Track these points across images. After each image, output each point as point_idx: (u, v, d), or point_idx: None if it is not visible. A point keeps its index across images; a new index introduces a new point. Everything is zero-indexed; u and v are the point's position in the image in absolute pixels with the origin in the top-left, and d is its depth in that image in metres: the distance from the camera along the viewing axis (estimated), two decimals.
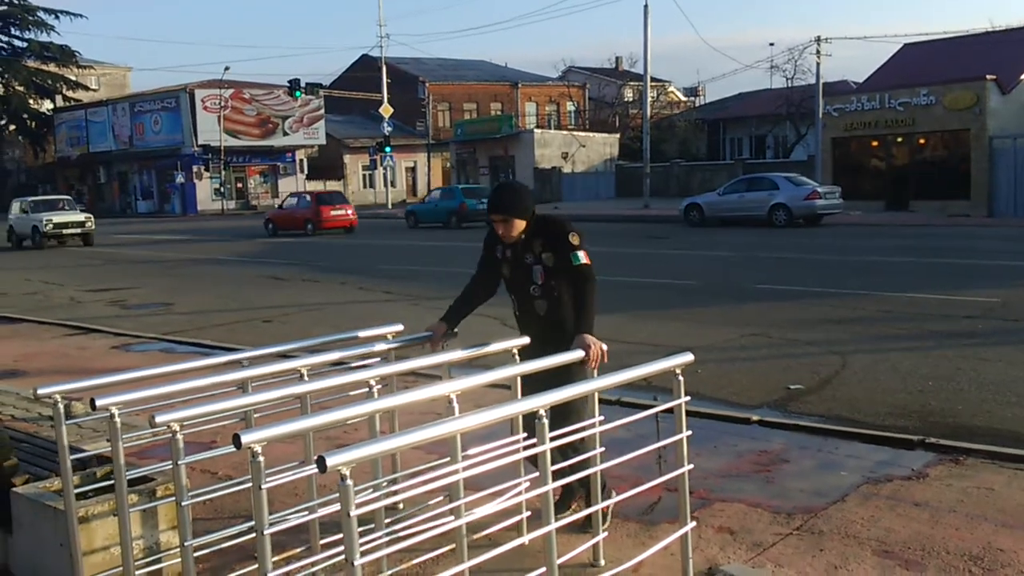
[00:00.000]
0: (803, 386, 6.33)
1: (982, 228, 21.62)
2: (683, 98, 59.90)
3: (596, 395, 3.22)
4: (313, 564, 2.85)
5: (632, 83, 53.55)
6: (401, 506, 3.72)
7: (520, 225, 3.62)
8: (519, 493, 3.14)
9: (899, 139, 29.23)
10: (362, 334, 3.93)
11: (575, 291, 3.58)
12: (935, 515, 3.84)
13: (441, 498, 3.30)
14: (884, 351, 7.41)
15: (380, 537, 2.92)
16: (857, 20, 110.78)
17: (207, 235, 28.17)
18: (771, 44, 78.81)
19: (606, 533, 3.37)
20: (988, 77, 27.09)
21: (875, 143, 29.91)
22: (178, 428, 2.74)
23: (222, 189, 48.24)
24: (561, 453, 3.16)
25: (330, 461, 2.10)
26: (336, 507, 3.09)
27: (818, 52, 32.41)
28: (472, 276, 3.94)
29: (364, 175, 53.20)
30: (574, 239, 3.58)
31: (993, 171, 26.61)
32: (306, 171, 51.69)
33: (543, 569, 2.69)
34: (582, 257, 3.56)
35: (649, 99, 36.14)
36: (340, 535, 3.02)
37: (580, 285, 3.56)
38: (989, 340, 7.76)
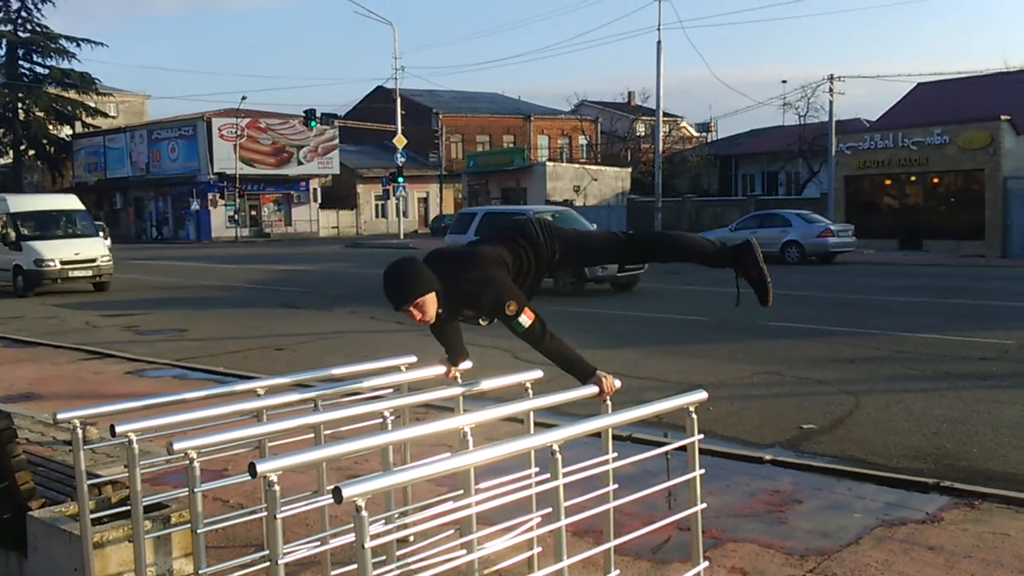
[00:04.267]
0: (816, 426, 6.30)
1: (996, 269, 21.54)
2: (695, 133, 60.22)
3: (610, 431, 3.22)
4: None
5: (644, 117, 53.94)
6: (411, 539, 3.71)
7: (432, 300, 3.20)
8: (531, 528, 3.14)
9: (913, 178, 29.28)
10: (376, 365, 3.95)
11: (540, 351, 3.32)
12: (950, 560, 3.80)
13: (452, 532, 3.29)
14: (898, 392, 7.37)
15: (392, 570, 2.93)
16: (870, 58, 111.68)
17: (220, 262, 28.37)
18: (784, 81, 79.60)
19: (618, 571, 3.36)
20: (1002, 117, 27.18)
21: (888, 182, 29.98)
22: (195, 455, 2.76)
23: (236, 217, 48.69)
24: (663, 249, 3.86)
25: (346, 492, 2.11)
26: (347, 538, 3.11)
27: (831, 90, 32.60)
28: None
29: (377, 205, 53.63)
30: (510, 309, 3.17)
31: (1007, 212, 26.59)
32: (319, 200, 52.13)
33: None
34: (525, 321, 3.19)
35: (661, 134, 36.37)
36: (351, 567, 3.03)
37: (538, 346, 3.27)
38: (1004, 382, 7.71)
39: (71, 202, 19.41)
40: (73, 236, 18.06)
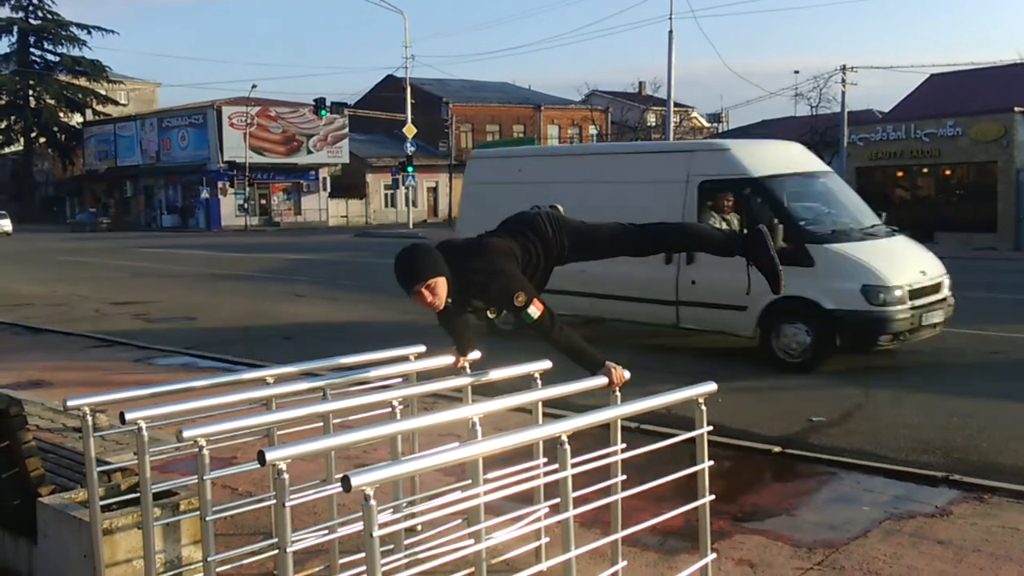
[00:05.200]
0: (825, 419, 6.28)
1: (1008, 262, 21.40)
2: (706, 124, 59.96)
3: (619, 422, 3.21)
4: None
5: (655, 108, 53.70)
6: (419, 528, 3.72)
7: (443, 284, 3.19)
8: (538, 519, 3.14)
9: (925, 170, 29.08)
10: (385, 354, 3.95)
11: (548, 342, 3.33)
12: (959, 554, 3.78)
13: (460, 521, 3.30)
14: (907, 385, 7.34)
15: (400, 559, 2.93)
16: (883, 49, 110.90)
17: (230, 250, 28.44)
18: (796, 72, 79.11)
19: (625, 562, 3.36)
20: (1016, 109, 26.93)
21: (900, 173, 29.78)
22: (204, 443, 2.77)
23: (246, 205, 48.76)
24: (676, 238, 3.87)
25: (355, 481, 2.12)
26: (355, 527, 3.12)
27: (843, 81, 32.40)
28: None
29: (386, 194, 53.62)
30: (519, 300, 3.18)
31: (1020, 204, 26.39)
32: (329, 189, 52.16)
33: None
34: (534, 312, 3.20)
35: (672, 124, 36.20)
36: (359, 555, 3.04)
37: (547, 337, 3.28)
38: (1015, 376, 7.66)
39: (812, 159, 9.88)
40: (873, 233, 8.61)
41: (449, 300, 3.27)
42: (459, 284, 3.25)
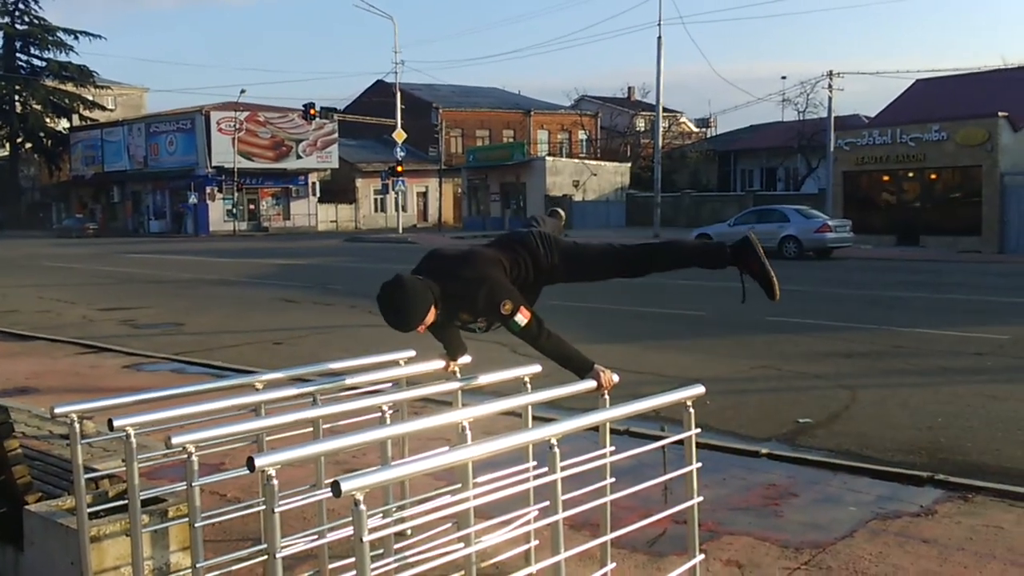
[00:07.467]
0: (812, 420, 6.32)
1: (993, 265, 21.57)
2: (695, 129, 60.25)
3: (608, 425, 3.23)
4: None
5: (644, 113, 53.97)
6: (409, 532, 3.72)
7: (430, 318, 3.24)
8: (528, 522, 3.15)
9: (910, 174, 29.31)
10: (374, 359, 3.96)
11: (537, 349, 3.38)
12: (944, 553, 3.82)
13: (450, 525, 3.31)
14: (894, 386, 7.39)
15: (390, 563, 2.94)
16: (869, 55, 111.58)
17: (218, 256, 28.34)
18: (783, 77, 79.27)
19: (614, 564, 3.37)
20: (1000, 114, 27.20)
21: (886, 178, 30.01)
22: (193, 449, 2.77)
23: (234, 210, 48.66)
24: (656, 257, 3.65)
25: (345, 486, 2.12)
26: (345, 532, 3.12)
27: (830, 86, 32.64)
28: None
29: (376, 199, 53.62)
30: (506, 308, 3.23)
31: (1004, 208, 26.66)
32: (318, 194, 52.09)
33: None
34: (521, 320, 3.25)
35: (661, 129, 36.37)
36: (349, 560, 3.04)
37: (535, 344, 3.33)
38: (999, 377, 7.74)
39: None
40: None
41: (438, 313, 3.30)
42: (446, 295, 3.27)
